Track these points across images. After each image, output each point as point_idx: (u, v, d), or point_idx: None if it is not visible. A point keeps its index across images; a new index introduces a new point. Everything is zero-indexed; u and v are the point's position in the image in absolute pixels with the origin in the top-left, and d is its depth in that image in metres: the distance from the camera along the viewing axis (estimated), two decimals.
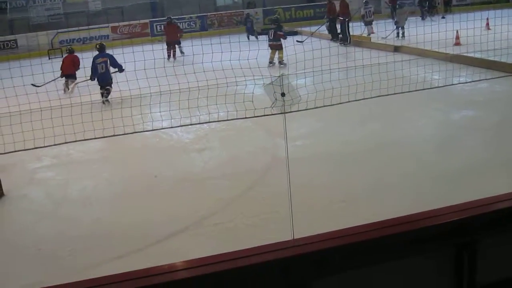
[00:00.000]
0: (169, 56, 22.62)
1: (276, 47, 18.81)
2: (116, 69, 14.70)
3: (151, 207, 7.87)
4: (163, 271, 3.40)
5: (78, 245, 6.88)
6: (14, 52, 27.38)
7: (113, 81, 14.09)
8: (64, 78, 16.99)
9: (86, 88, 6.54)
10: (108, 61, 14.97)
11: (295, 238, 3.04)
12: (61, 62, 17.47)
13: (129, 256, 6.39)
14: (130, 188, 8.73)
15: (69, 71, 17.15)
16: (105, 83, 14.60)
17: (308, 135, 10.48)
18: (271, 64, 18.63)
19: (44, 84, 11.14)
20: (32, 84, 9.08)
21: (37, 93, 6.38)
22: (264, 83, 4.43)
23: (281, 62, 18.68)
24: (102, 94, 14.40)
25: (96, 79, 14.90)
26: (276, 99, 3.58)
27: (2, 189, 8.73)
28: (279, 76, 3.50)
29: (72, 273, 6.06)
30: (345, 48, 21.37)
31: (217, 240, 6.65)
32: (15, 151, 5.95)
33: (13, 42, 29.04)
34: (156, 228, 7.10)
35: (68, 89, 16.36)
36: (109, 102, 14.00)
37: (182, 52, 23.11)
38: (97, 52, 15.44)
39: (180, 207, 7.77)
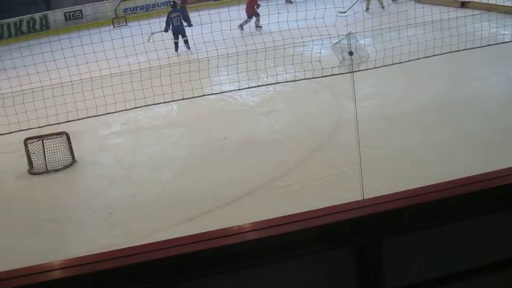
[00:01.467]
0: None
1: None
2: (186, 24, 17.49)
3: (218, 170, 7.97)
4: (234, 232, 3.46)
5: (148, 208, 7.07)
6: (79, 22, 27.86)
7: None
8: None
9: (155, 53, 6.58)
10: (180, 15, 17.75)
11: (365, 198, 3.03)
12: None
13: (199, 218, 6.52)
14: (197, 151, 8.84)
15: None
16: (180, 33, 17.29)
17: (374, 95, 10.30)
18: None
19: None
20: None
21: (107, 59, 6.49)
22: (331, 43, 4.37)
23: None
24: (176, 44, 17.03)
25: (171, 31, 17.33)
26: (343, 58, 3.52)
27: (74, 156, 9.02)
28: (347, 35, 3.44)
29: (143, 236, 6.26)
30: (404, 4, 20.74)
31: (285, 202, 6.67)
32: (87, 117, 6.10)
33: (78, 12, 29.52)
34: (224, 191, 7.19)
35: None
36: (190, 48, 16.47)
37: (259, 27, 21.61)
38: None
39: (247, 169, 7.83)
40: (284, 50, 7.79)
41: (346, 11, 15.44)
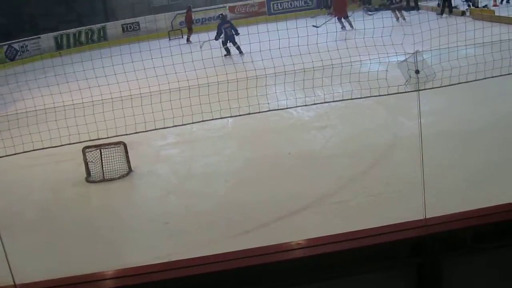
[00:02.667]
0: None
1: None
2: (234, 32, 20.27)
3: (273, 184, 7.98)
4: (291, 247, 3.46)
5: (204, 219, 7.12)
6: (136, 34, 28.49)
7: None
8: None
9: (213, 69, 6.66)
10: (230, 26, 20.72)
11: (426, 217, 2.99)
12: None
13: (254, 232, 6.53)
14: (252, 164, 8.89)
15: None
16: (232, 41, 20.17)
17: (431, 112, 10.13)
18: None
19: None
20: None
21: (166, 75, 6.61)
22: (388, 61, 4.33)
23: None
24: (228, 50, 19.89)
25: (221, 39, 19.81)
26: (410, 76, 3.50)
27: (130, 165, 9.19)
28: (414, 53, 3.42)
29: (199, 246, 6.29)
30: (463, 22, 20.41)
31: (339, 219, 6.64)
32: (146, 131, 6.22)
33: (135, 24, 30.15)
34: (279, 205, 7.18)
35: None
36: (243, 52, 18.74)
37: (351, 26, 22.24)
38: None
39: (302, 184, 7.82)
40: (341, 68, 7.73)
41: (320, 26, 14.93)
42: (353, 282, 3.27)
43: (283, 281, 3.27)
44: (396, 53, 6.62)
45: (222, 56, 8.43)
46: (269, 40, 6.37)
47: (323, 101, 8.06)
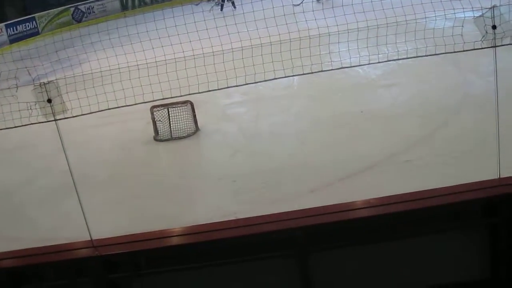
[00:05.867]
0: None
1: None
2: None
3: (339, 142, 7.92)
4: (356, 207, 3.44)
5: (271, 178, 7.13)
6: None
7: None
8: None
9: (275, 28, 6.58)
10: None
11: (501, 177, 2.90)
12: None
13: (320, 190, 6.52)
14: (318, 123, 8.81)
15: None
16: None
17: (506, 69, 9.73)
18: None
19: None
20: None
21: (228, 34, 6.59)
22: (464, 17, 4.16)
23: None
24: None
25: None
26: (486, 32, 3.37)
27: (197, 124, 9.29)
28: (491, 8, 3.27)
29: (265, 205, 6.33)
30: None
31: (407, 178, 6.52)
32: (208, 91, 6.24)
33: None
34: (346, 164, 7.14)
35: None
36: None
37: None
38: None
39: (369, 143, 7.72)
40: (406, 24, 7.48)
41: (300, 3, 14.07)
42: (420, 243, 3.23)
43: (349, 239, 3.26)
44: (463, 8, 6.34)
45: (283, 15, 8.23)
46: None
47: (390, 59, 7.84)
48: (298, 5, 11.77)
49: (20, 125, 5.54)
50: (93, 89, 6.71)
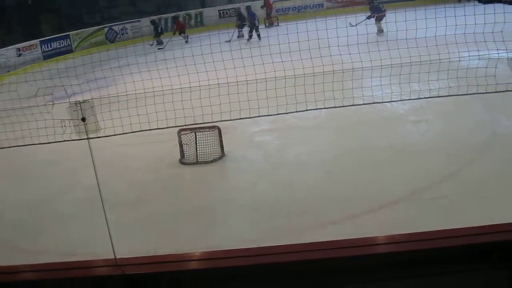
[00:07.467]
0: None
1: None
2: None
3: (364, 175, 7.94)
4: (379, 242, 3.45)
5: (294, 208, 7.17)
6: (231, 20, 28.72)
7: None
8: None
9: (308, 61, 6.66)
10: None
11: None
12: None
13: (342, 223, 6.54)
14: (344, 156, 8.84)
15: None
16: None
17: None
18: None
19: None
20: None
21: (263, 64, 6.72)
22: (498, 57, 4.19)
23: None
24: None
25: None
26: None
27: (223, 149, 9.38)
28: None
29: (288, 234, 6.38)
30: None
31: (431, 215, 6.51)
32: (241, 118, 6.35)
33: (232, 11, 30.43)
34: (369, 197, 7.15)
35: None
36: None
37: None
38: None
39: (394, 178, 7.73)
40: (439, 63, 7.51)
41: (356, 24, 14.06)
42: (441, 282, 3.23)
43: (369, 275, 3.27)
44: (497, 49, 6.39)
45: (318, 48, 8.21)
46: (367, 33, 6.31)
47: (421, 96, 7.87)
48: (354, 26, 11.93)
49: (54, 141, 5.70)
50: (127, 110, 6.89)
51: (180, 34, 25.76)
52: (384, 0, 23.16)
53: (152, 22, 26.87)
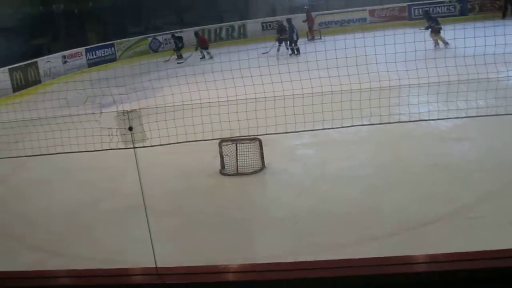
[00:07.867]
0: None
1: None
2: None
3: (406, 192, 7.89)
4: (421, 260, 3.43)
5: (333, 222, 7.17)
6: (274, 33, 28.86)
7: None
8: None
9: (357, 76, 6.66)
10: None
11: None
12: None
13: (383, 240, 6.51)
14: (385, 171, 8.81)
15: None
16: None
17: None
18: None
19: None
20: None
21: (300, 79, 6.75)
22: None
23: None
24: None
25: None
26: None
27: (264, 161, 9.42)
28: None
29: (326, 249, 6.37)
30: None
31: (473, 235, 6.41)
32: (287, 132, 6.39)
33: (275, 23, 30.57)
34: (410, 214, 7.11)
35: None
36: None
37: None
38: None
39: (436, 195, 7.66)
40: (488, 82, 7.44)
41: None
42: None
43: None
44: None
45: (366, 64, 8.12)
46: (415, 51, 6.27)
47: (469, 115, 7.73)
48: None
49: (101, 149, 5.82)
50: (173, 121, 7.00)
51: (202, 49, 25.02)
52: (435, 16, 22.95)
53: (173, 36, 26.90)
